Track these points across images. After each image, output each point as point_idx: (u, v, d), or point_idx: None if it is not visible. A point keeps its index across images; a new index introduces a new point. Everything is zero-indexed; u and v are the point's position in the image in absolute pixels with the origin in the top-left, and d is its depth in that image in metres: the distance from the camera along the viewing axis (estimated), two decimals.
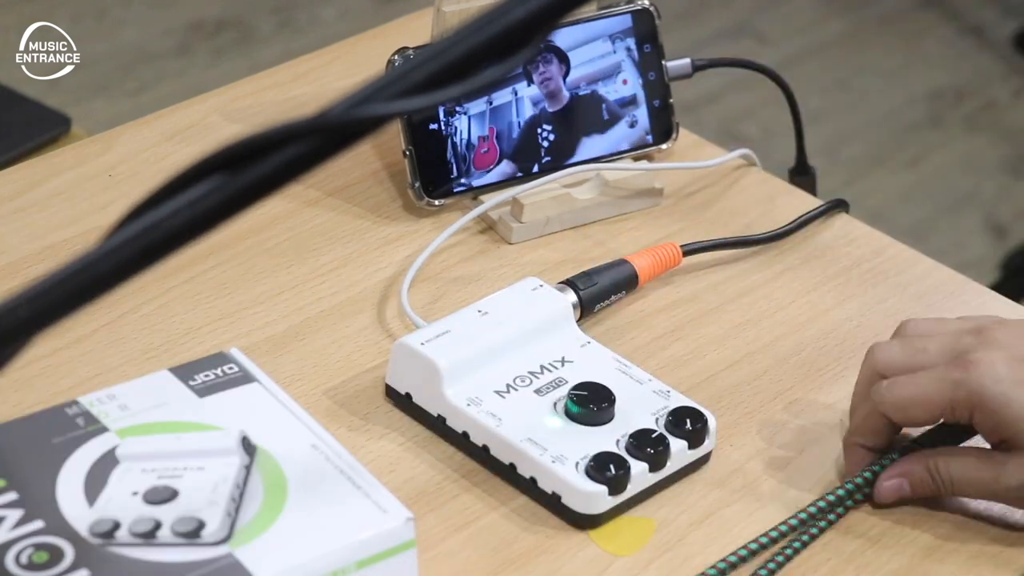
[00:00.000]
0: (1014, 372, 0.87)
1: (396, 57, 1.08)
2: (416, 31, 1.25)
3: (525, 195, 1.10)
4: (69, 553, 0.78)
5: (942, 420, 0.91)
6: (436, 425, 0.95)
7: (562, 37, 1.14)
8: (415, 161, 1.10)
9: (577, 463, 0.90)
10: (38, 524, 0.79)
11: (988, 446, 0.91)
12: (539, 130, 1.13)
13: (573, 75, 1.14)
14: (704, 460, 0.94)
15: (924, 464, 0.91)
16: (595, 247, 1.11)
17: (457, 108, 1.11)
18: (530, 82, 1.13)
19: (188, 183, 0.61)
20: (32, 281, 0.61)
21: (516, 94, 1.13)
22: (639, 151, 1.16)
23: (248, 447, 0.83)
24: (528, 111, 1.13)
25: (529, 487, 0.91)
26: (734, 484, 0.94)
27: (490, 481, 0.93)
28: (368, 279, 1.07)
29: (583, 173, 1.13)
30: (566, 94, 1.14)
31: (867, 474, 0.92)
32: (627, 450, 0.91)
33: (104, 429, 0.85)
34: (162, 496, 0.81)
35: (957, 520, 0.92)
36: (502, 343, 0.96)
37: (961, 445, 0.93)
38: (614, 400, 0.92)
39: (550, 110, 1.14)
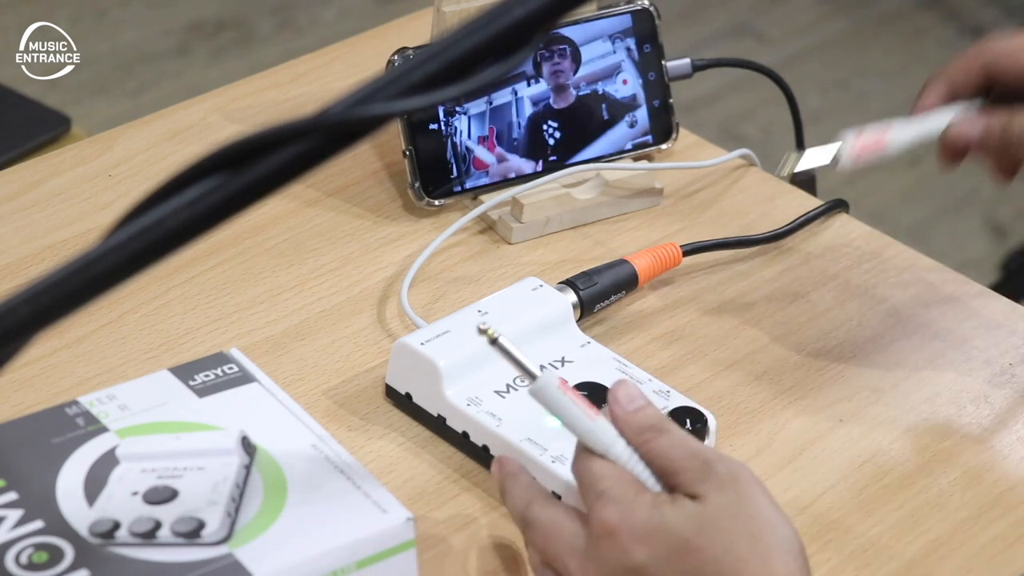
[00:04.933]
0: None
1: (396, 57, 1.08)
2: (416, 31, 1.25)
3: (525, 195, 1.10)
4: (69, 553, 0.78)
5: None
6: (436, 425, 0.95)
7: (572, 34, 1.14)
8: (415, 161, 1.10)
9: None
10: (38, 524, 0.79)
11: None
12: (544, 126, 1.13)
13: (576, 74, 1.14)
14: None
15: (1008, 111, 0.92)
16: (595, 247, 1.11)
17: (457, 108, 1.11)
18: (530, 81, 1.13)
19: (188, 182, 0.61)
20: (32, 281, 0.61)
21: (516, 94, 1.13)
22: (639, 151, 1.16)
23: (248, 447, 0.83)
24: (528, 111, 1.13)
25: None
26: None
27: (490, 481, 0.93)
28: (368, 279, 1.07)
29: (583, 173, 1.13)
30: (573, 91, 1.14)
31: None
32: None
33: (104, 429, 0.85)
34: (162, 496, 0.81)
35: (957, 520, 0.92)
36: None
37: None
38: None
39: (556, 107, 1.14)
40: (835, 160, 0.91)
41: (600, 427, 0.80)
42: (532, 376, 0.81)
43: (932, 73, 0.94)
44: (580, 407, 0.80)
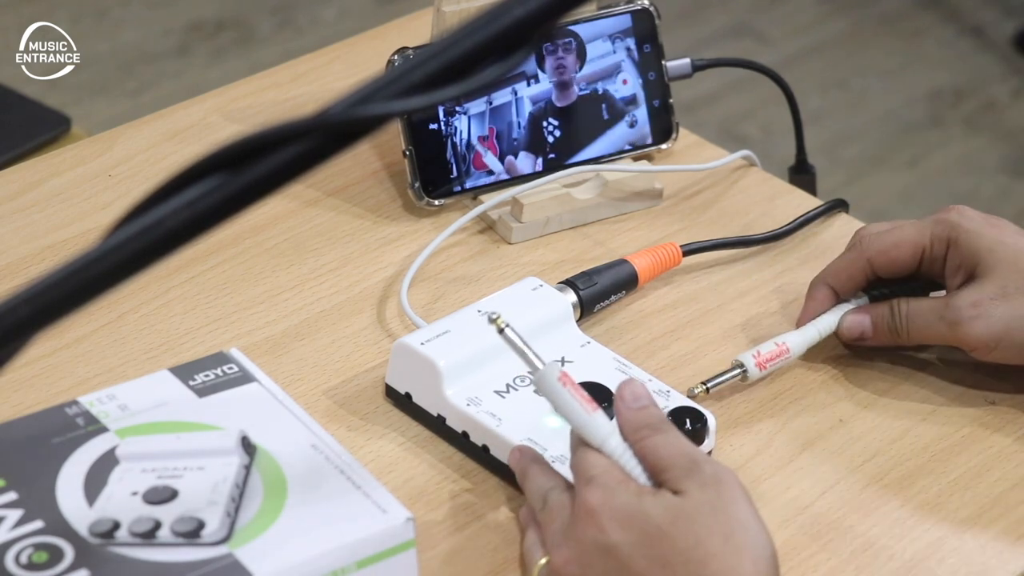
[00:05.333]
0: (987, 219, 0.99)
1: (396, 57, 1.08)
2: (416, 31, 1.25)
3: (525, 195, 1.10)
4: (69, 553, 0.78)
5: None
6: (436, 425, 0.95)
7: (578, 30, 1.14)
8: (415, 161, 1.10)
9: None
10: (38, 524, 0.79)
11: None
12: (544, 124, 1.13)
13: (580, 72, 1.14)
14: None
15: (888, 304, 1.00)
16: (595, 247, 1.11)
17: (457, 108, 1.11)
18: (530, 81, 1.13)
19: (188, 182, 0.61)
20: (32, 281, 0.61)
21: (516, 94, 1.13)
22: (639, 151, 1.16)
23: (248, 447, 0.83)
24: (528, 110, 1.13)
25: None
26: None
27: (489, 481, 0.93)
28: (368, 279, 1.07)
29: (583, 173, 1.13)
30: (576, 89, 1.14)
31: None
32: None
33: (104, 429, 0.85)
34: (162, 496, 0.81)
35: (957, 520, 0.92)
36: (502, 343, 0.95)
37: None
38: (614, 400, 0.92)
39: (557, 104, 1.14)
40: (744, 376, 0.98)
41: (596, 421, 0.83)
42: (536, 367, 0.84)
43: (818, 275, 1.02)
44: (578, 401, 0.83)
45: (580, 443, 0.84)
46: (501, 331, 0.85)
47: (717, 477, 0.81)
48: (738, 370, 0.98)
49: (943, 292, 1.00)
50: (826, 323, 1.01)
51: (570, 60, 1.14)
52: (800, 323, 1.01)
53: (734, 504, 0.80)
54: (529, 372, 0.86)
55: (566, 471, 0.88)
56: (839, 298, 1.01)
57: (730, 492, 0.80)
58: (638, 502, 0.80)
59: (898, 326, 0.99)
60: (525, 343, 0.85)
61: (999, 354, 0.97)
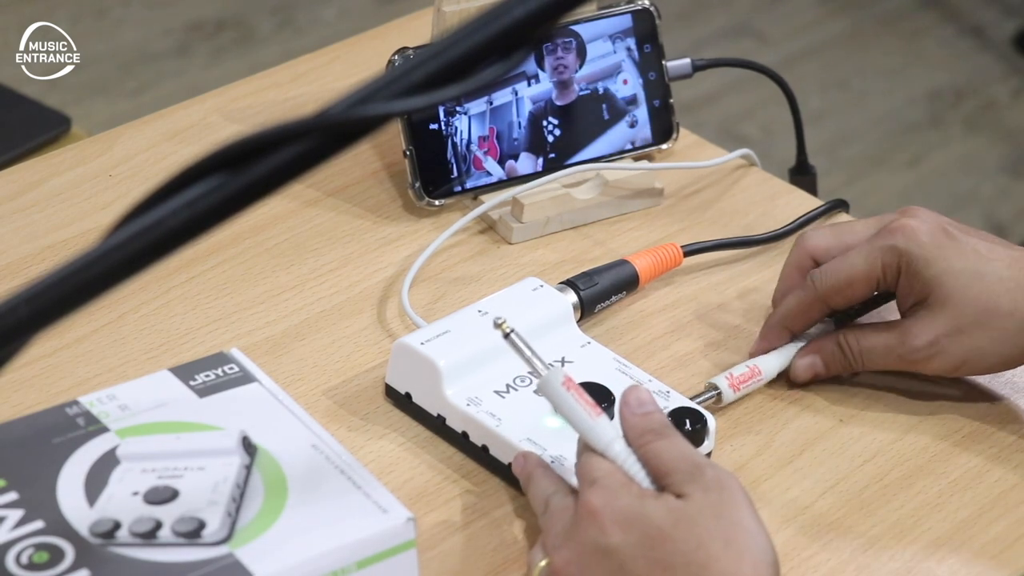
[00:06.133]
0: (934, 238, 0.96)
1: (396, 57, 1.08)
2: (416, 31, 1.25)
3: (525, 195, 1.10)
4: (69, 553, 0.78)
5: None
6: (436, 425, 0.95)
7: (578, 29, 1.14)
8: (415, 161, 1.10)
9: (576, 463, 0.90)
10: (38, 524, 0.79)
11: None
12: (544, 123, 1.13)
13: (580, 71, 1.14)
14: None
15: (835, 339, 0.99)
16: (595, 247, 1.11)
17: (457, 108, 1.11)
18: (530, 81, 1.13)
19: (188, 182, 0.61)
20: (32, 281, 0.61)
21: (516, 94, 1.13)
22: (639, 151, 1.16)
23: (248, 447, 0.83)
24: (528, 110, 1.13)
25: None
26: None
27: (489, 481, 0.93)
28: (368, 279, 1.07)
29: (583, 173, 1.13)
30: (576, 88, 1.14)
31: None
32: None
33: (104, 429, 0.85)
34: (162, 496, 0.81)
35: (957, 520, 0.92)
36: (502, 343, 0.95)
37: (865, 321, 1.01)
38: (614, 400, 0.92)
39: (557, 103, 1.14)
40: (719, 399, 0.98)
41: (600, 426, 0.83)
42: (539, 373, 0.84)
43: (774, 318, 1.00)
44: (582, 406, 0.83)
45: (585, 447, 0.84)
46: (506, 335, 0.85)
47: (720, 481, 0.81)
48: (712, 392, 0.97)
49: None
50: (792, 349, 1.00)
51: (570, 59, 1.14)
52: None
53: (736, 509, 0.80)
54: (530, 373, 0.86)
55: (565, 471, 0.88)
56: (794, 336, 1.00)
57: (732, 497, 0.81)
58: (640, 504, 0.80)
59: (851, 362, 0.98)
60: (530, 347, 0.85)
61: (958, 375, 0.99)
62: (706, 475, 0.81)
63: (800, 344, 1.00)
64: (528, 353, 0.85)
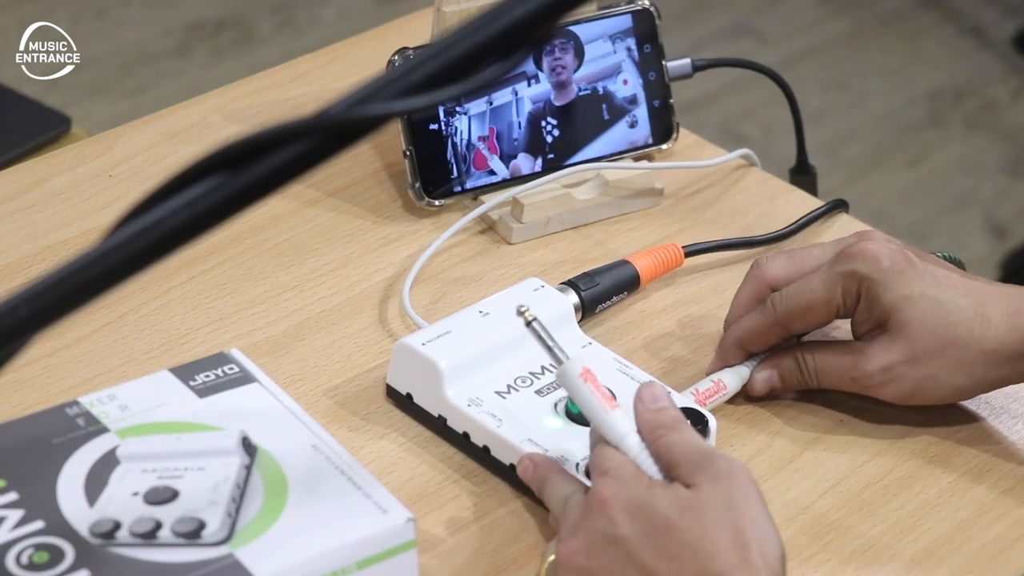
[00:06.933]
0: (895, 264, 0.94)
1: (396, 57, 1.08)
2: (416, 31, 1.25)
3: (525, 195, 1.10)
4: (69, 553, 0.78)
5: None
6: (437, 425, 0.95)
7: (577, 30, 1.14)
8: (415, 161, 1.10)
9: (577, 464, 0.90)
10: (38, 524, 0.79)
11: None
12: (544, 123, 1.13)
13: (579, 71, 1.14)
14: None
15: (792, 355, 0.98)
16: (595, 247, 1.11)
17: (457, 108, 1.11)
18: (530, 81, 1.13)
19: (188, 182, 0.61)
20: (32, 281, 0.61)
21: (516, 94, 1.13)
22: (639, 151, 1.16)
23: (248, 447, 0.83)
24: (528, 111, 1.13)
25: (529, 487, 0.91)
26: None
27: (490, 481, 0.93)
28: (368, 279, 1.07)
29: (583, 173, 1.13)
30: (575, 88, 1.14)
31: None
32: None
33: (104, 429, 0.85)
34: (162, 496, 0.81)
35: (957, 520, 0.92)
36: (503, 344, 0.96)
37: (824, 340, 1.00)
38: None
39: (556, 104, 1.14)
40: None
41: (615, 419, 0.84)
42: (559, 362, 0.85)
43: (731, 337, 0.99)
44: (598, 398, 0.84)
45: (599, 440, 0.85)
46: (529, 323, 0.86)
47: (729, 471, 0.81)
48: None
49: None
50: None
51: (568, 60, 1.14)
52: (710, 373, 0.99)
53: (745, 499, 0.80)
54: (552, 365, 0.87)
55: (568, 471, 0.88)
56: (750, 355, 0.99)
57: (741, 487, 0.81)
58: (649, 494, 0.81)
59: (807, 379, 0.97)
60: (551, 337, 0.86)
61: (911, 403, 0.96)
62: (716, 465, 0.81)
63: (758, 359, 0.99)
64: (549, 342, 0.86)
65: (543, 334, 0.86)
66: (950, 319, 0.93)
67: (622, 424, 0.84)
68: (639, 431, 0.84)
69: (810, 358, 0.97)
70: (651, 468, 0.83)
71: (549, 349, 0.86)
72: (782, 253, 0.99)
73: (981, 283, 0.95)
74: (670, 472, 0.82)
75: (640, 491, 0.81)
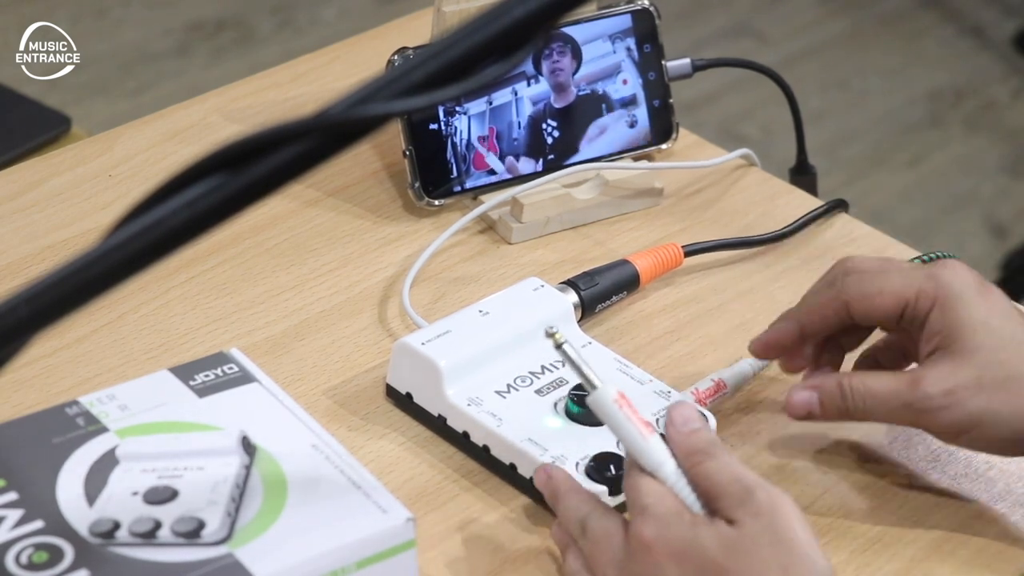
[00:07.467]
0: (981, 287, 0.89)
1: (396, 57, 1.08)
2: (416, 31, 1.25)
3: (525, 195, 1.10)
4: (69, 553, 0.78)
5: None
6: (436, 425, 0.95)
7: (574, 33, 1.14)
8: (415, 161, 1.10)
9: (577, 463, 0.90)
10: (38, 524, 0.79)
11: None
12: (544, 126, 1.13)
13: (577, 73, 1.14)
14: None
15: (837, 380, 0.91)
16: (595, 247, 1.11)
17: (457, 108, 1.11)
18: (530, 81, 1.13)
19: (188, 182, 0.61)
20: (32, 281, 0.61)
21: (516, 94, 1.13)
22: (639, 151, 1.16)
23: (248, 447, 0.83)
24: (528, 111, 1.13)
25: (529, 487, 0.91)
26: None
27: (490, 481, 0.93)
28: (368, 279, 1.07)
29: (583, 173, 1.13)
30: (574, 90, 1.14)
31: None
32: None
33: (104, 429, 0.85)
34: (162, 496, 0.80)
35: (957, 520, 0.92)
36: (503, 343, 0.96)
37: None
38: None
39: (556, 106, 1.14)
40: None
41: (652, 447, 0.82)
42: (592, 386, 0.82)
43: (792, 310, 0.94)
44: (635, 424, 0.82)
45: (632, 465, 0.83)
46: (559, 346, 0.83)
47: (771, 504, 0.79)
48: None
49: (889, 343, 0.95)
50: (752, 367, 0.99)
51: (565, 62, 1.14)
52: (754, 348, 0.95)
53: (789, 532, 0.78)
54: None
55: (568, 471, 0.88)
56: (804, 337, 0.94)
57: (784, 520, 0.79)
58: (694, 535, 0.79)
59: (850, 406, 0.90)
60: (583, 360, 0.83)
61: (962, 442, 0.90)
62: (757, 498, 0.79)
63: (763, 363, 0.98)
64: (582, 366, 0.83)
65: (575, 357, 0.83)
66: (1021, 355, 0.88)
67: (658, 452, 0.81)
68: (673, 455, 0.82)
69: (858, 382, 0.90)
70: (689, 497, 0.81)
71: (582, 373, 0.83)
72: (872, 257, 0.93)
73: None
74: (710, 503, 0.80)
75: (684, 531, 0.79)
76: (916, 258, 1.07)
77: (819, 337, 0.94)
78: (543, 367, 0.96)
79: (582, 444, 0.91)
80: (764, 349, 0.96)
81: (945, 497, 0.94)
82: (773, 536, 0.78)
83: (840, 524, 0.92)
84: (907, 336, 0.93)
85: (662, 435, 0.83)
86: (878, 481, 0.95)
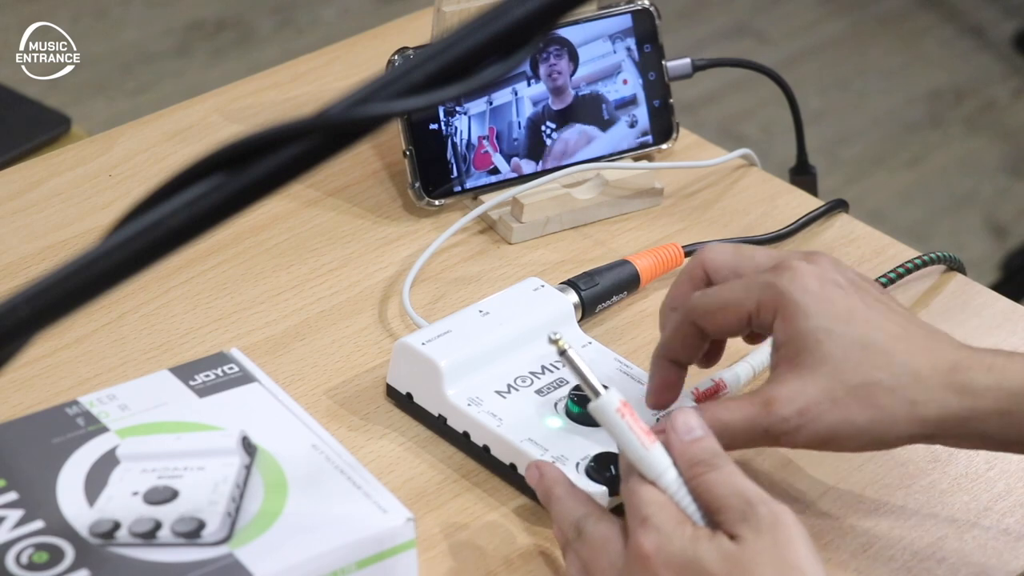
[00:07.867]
0: (823, 290, 0.86)
1: (396, 57, 1.08)
2: (416, 31, 1.25)
3: (525, 195, 1.10)
4: (69, 553, 0.78)
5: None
6: (437, 425, 0.95)
7: (571, 35, 1.14)
8: (415, 161, 1.10)
9: (577, 463, 0.90)
10: (38, 524, 0.79)
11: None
12: (544, 127, 1.13)
13: (575, 75, 1.14)
14: None
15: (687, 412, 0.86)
16: (595, 247, 1.11)
17: (457, 108, 1.11)
18: (530, 81, 1.13)
19: (188, 182, 0.61)
20: (32, 281, 0.61)
21: (516, 94, 1.13)
22: (639, 151, 1.16)
23: (248, 447, 0.83)
24: (528, 111, 1.13)
25: (529, 487, 0.90)
26: None
27: (490, 481, 0.93)
28: (368, 279, 1.07)
29: (583, 173, 1.13)
30: (572, 92, 1.14)
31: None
32: None
33: (104, 429, 0.85)
34: (162, 496, 0.81)
35: (957, 520, 0.92)
36: (503, 343, 0.96)
37: None
38: None
39: (555, 108, 1.14)
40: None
41: (654, 455, 0.81)
42: (595, 393, 0.82)
43: (656, 351, 0.92)
44: (636, 433, 0.81)
45: (632, 471, 0.81)
46: (563, 352, 0.82)
47: (773, 520, 0.78)
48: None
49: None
50: (759, 359, 0.98)
51: (563, 65, 1.14)
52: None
53: (791, 550, 0.77)
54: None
55: (566, 472, 0.88)
56: (684, 365, 0.91)
57: (786, 536, 0.77)
58: (694, 550, 0.78)
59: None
60: (587, 367, 0.82)
61: (831, 450, 0.87)
62: (759, 513, 0.78)
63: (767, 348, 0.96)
64: (586, 373, 0.82)
65: (579, 364, 0.82)
66: (874, 362, 0.84)
67: (660, 461, 0.81)
68: (675, 464, 0.81)
69: (711, 413, 0.85)
70: (690, 508, 0.80)
71: (585, 380, 0.82)
72: (730, 245, 0.91)
73: (924, 331, 0.87)
74: (711, 516, 0.79)
75: (684, 545, 0.78)
76: (916, 258, 1.07)
77: (698, 356, 0.91)
78: (543, 367, 0.96)
79: (582, 444, 0.91)
80: (659, 400, 0.92)
81: (945, 497, 0.94)
82: (775, 555, 0.77)
83: (840, 524, 0.92)
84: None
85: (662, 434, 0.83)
86: (878, 481, 0.95)
